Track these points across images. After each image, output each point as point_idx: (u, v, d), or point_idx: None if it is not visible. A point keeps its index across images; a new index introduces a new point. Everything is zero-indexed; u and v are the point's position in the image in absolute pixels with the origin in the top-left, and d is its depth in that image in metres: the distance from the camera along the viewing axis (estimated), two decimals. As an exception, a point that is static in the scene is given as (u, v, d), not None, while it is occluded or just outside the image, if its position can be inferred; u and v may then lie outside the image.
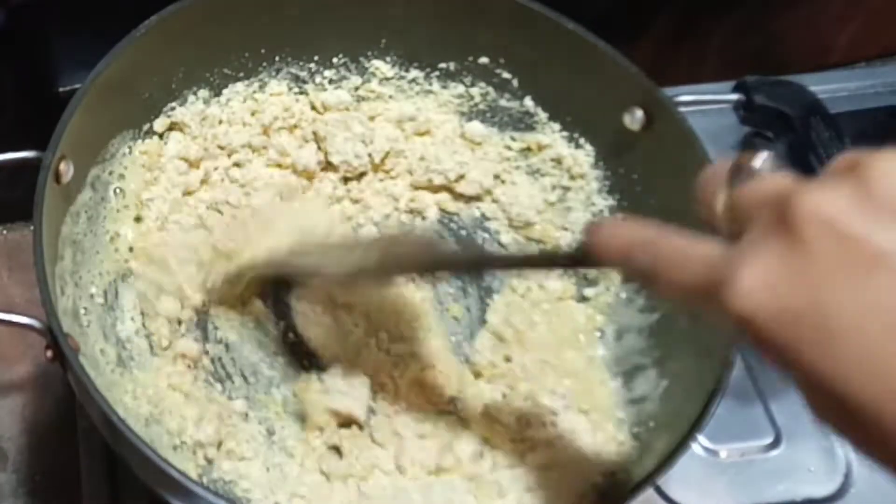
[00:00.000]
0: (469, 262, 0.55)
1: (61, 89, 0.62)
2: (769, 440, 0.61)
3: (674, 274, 0.33)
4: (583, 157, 0.60)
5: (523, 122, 0.61)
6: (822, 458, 0.61)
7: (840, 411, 0.28)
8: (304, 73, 0.61)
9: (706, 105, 0.60)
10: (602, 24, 0.57)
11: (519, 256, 0.59)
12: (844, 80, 0.76)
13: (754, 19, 0.84)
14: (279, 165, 0.61)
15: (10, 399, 0.63)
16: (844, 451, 0.61)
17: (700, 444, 0.60)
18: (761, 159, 0.32)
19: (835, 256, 0.27)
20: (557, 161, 0.61)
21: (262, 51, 0.59)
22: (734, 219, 0.32)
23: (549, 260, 0.52)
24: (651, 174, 0.57)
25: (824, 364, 0.27)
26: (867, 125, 0.73)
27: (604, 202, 0.60)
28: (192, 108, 0.58)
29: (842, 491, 0.60)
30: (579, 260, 0.41)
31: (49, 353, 0.46)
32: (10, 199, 0.60)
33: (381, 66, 0.61)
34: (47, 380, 0.63)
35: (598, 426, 0.54)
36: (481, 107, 0.62)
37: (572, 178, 0.60)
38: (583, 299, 0.59)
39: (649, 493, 0.57)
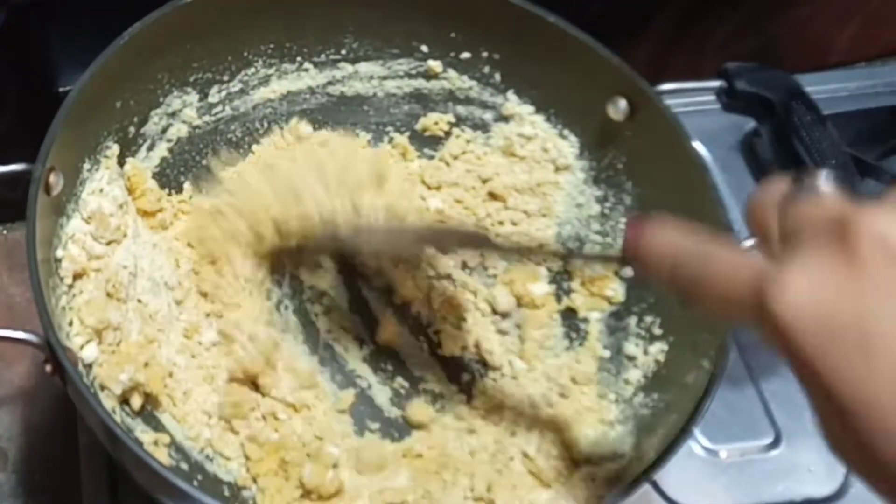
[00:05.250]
0: (505, 249, 0.57)
1: (61, 89, 0.62)
2: (769, 440, 0.61)
3: (719, 286, 0.32)
4: (567, 148, 0.60)
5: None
6: (822, 458, 0.60)
7: (856, 441, 0.27)
8: (287, 75, 0.61)
9: (689, 93, 0.61)
10: (600, 24, 0.57)
11: (558, 251, 0.60)
12: (844, 80, 0.76)
13: (754, 19, 0.84)
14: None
15: (9, 399, 0.63)
16: (844, 451, 0.61)
17: (700, 444, 0.60)
18: (823, 177, 0.31)
19: (887, 275, 0.27)
20: (543, 153, 0.61)
21: (245, 54, 0.59)
22: (786, 236, 0.31)
23: (583, 256, 0.54)
24: (636, 163, 0.58)
25: (852, 383, 0.27)
26: (867, 125, 0.73)
27: (590, 192, 0.60)
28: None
29: (842, 491, 0.60)
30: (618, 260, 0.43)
31: (48, 368, 0.45)
32: (10, 199, 0.60)
33: (364, 64, 0.62)
34: (47, 379, 0.63)
35: (591, 420, 0.54)
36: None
37: (557, 169, 0.60)
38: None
39: (649, 492, 0.57)
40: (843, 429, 0.28)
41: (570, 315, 0.59)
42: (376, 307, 0.60)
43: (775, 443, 0.61)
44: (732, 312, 0.32)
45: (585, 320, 0.59)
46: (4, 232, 0.70)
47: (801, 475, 0.60)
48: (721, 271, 0.32)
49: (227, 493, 0.51)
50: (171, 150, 0.59)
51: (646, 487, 0.47)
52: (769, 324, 0.29)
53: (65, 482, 0.59)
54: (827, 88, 0.73)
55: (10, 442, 0.62)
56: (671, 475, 0.58)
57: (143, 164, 0.58)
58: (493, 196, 0.62)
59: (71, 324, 0.50)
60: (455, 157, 0.62)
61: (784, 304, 0.28)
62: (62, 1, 0.63)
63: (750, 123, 0.70)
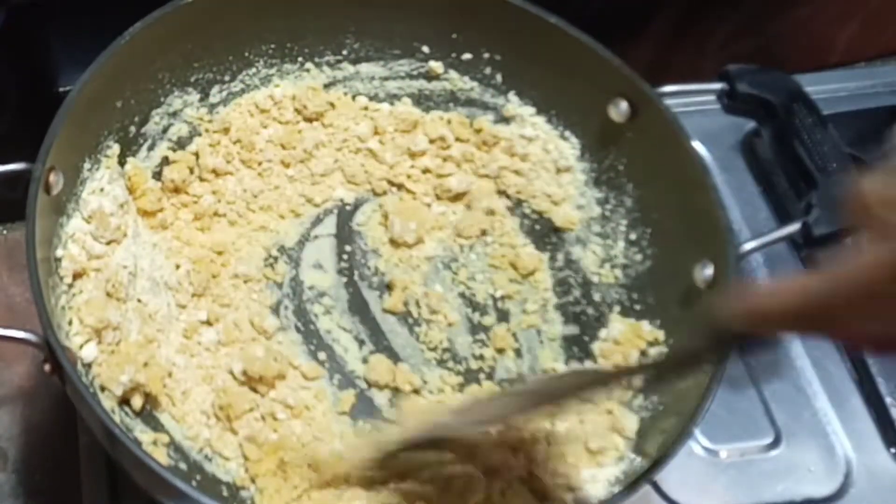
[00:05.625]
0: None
1: (61, 89, 0.62)
2: (769, 440, 0.61)
3: (860, 288, 0.32)
4: (568, 149, 0.60)
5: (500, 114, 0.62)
6: (822, 458, 0.61)
7: None
8: (288, 75, 0.61)
9: (690, 95, 0.61)
10: (600, 24, 0.57)
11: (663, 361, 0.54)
12: (844, 80, 0.76)
13: (754, 19, 0.84)
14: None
15: (9, 399, 0.63)
16: (844, 451, 0.61)
17: (700, 444, 0.60)
18: None
19: None
20: (544, 154, 0.61)
21: (246, 54, 0.60)
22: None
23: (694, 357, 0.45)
24: (637, 165, 0.58)
25: None
26: (867, 125, 0.73)
27: (591, 194, 0.60)
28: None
29: (842, 491, 0.60)
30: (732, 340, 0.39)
31: (47, 367, 0.45)
32: (10, 199, 0.60)
33: (366, 65, 0.62)
34: (47, 379, 0.63)
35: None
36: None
37: (558, 171, 0.60)
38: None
39: (649, 493, 0.57)
40: None
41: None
42: (375, 308, 0.60)
43: (775, 443, 0.61)
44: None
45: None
46: (4, 232, 0.70)
47: (801, 475, 0.60)
48: (857, 277, 0.32)
49: (225, 493, 0.51)
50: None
51: (646, 487, 0.47)
52: None
53: (65, 482, 0.59)
54: (827, 89, 0.73)
55: (10, 442, 0.62)
56: (671, 475, 0.58)
57: (144, 164, 0.58)
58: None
59: (70, 323, 0.50)
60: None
61: None
62: (62, 1, 0.63)
63: (750, 124, 0.70)
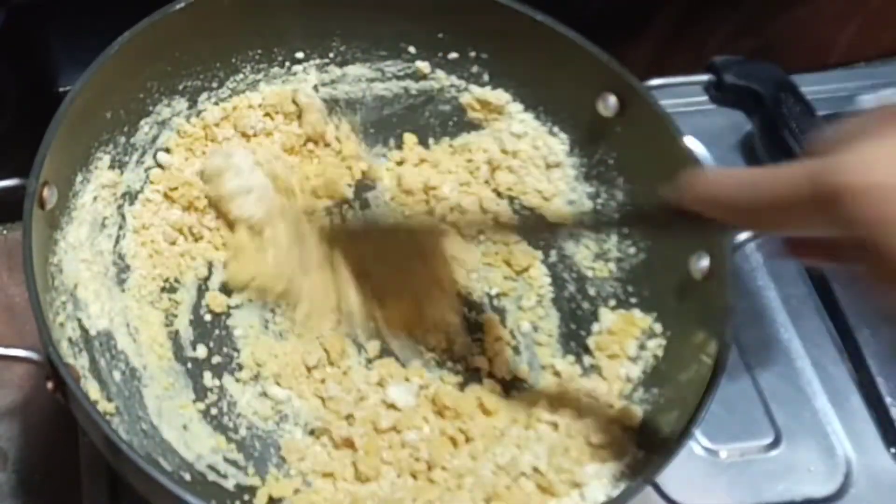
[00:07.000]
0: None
1: (61, 89, 0.62)
2: (769, 440, 0.61)
3: (777, 195, 0.35)
4: (558, 145, 0.60)
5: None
6: (822, 458, 0.60)
7: None
8: (275, 79, 0.61)
9: (678, 87, 0.61)
10: (599, 24, 0.57)
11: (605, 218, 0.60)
12: (844, 80, 0.76)
13: (754, 19, 0.84)
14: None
15: (9, 398, 0.63)
16: (844, 451, 0.61)
17: (700, 444, 0.60)
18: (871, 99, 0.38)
19: None
20: (533, 150, 0.61)
21: (233, 60, 0.59)
22: (841, 141, 0.34)
23: (633, 219, 0.55)
24: (626, 159, 0.58)
25: None
26: (867, 125, 0.73)
27: (582, 189, 0.60)
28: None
29: (842, 491, 0.59)
30: (671, 218, 0.44)
31: (50, 385, 0.45)
32: (10, 200, 0.60)
33: (353, 67, 0.62)
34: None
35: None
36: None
37: (548, 166, 0.61)
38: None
39: (649, 492, 0.57)
40: None
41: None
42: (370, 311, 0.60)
43: (775, 443, 0.61)
44: (799, 217, 0.35)
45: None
46: (4, 232, 0.71)
47: (801, 475, 0.60)
48: (770, 186, 0.36)
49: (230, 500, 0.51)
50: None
51: (646, 488, 0.47)
52: (832, 197, 0.32)
53: (65, 482, 0.59)
54: (826, 88, 0.73)
55: (10, 442, 0.62)
56: (671, 475, 0.58)
57: (135, 174, 0.57)
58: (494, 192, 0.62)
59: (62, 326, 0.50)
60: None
61: (847, 177, 0.32)
62: (62, 1, 0.63)
63: (749, 124, 0.70)
